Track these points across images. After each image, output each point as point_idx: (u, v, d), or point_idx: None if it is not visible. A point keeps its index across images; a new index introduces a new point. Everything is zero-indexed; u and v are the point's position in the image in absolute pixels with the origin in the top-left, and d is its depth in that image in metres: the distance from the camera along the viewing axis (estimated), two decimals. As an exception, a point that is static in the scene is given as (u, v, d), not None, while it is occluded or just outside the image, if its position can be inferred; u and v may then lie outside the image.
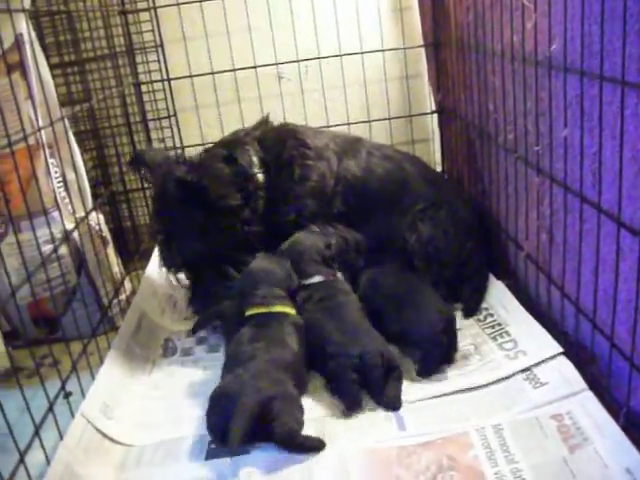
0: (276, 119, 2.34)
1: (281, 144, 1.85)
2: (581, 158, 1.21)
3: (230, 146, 1.80)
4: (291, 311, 1.54)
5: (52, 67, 2.07)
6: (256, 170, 1.77)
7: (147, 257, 2.15)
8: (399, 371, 1.38)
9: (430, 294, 1.58)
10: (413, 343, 1.49)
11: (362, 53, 2.34)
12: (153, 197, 1.83)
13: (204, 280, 1.74)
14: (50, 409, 1.21)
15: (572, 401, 1.22)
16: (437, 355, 1.45)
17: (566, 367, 1.30)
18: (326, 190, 1.82)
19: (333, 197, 1.83)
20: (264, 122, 1.94)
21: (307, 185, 1.80)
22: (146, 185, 2.29)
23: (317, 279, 1.62)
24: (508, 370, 1.38)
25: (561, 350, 1.34)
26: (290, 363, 1.37)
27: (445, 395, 1.36)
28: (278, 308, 1.52)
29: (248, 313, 1.52)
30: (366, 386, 1.37)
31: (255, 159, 1.79)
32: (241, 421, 1.20)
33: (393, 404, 1.33)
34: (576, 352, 1.33)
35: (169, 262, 1.78)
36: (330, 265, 1.67)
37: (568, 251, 1.33)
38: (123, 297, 1.94)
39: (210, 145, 1.95)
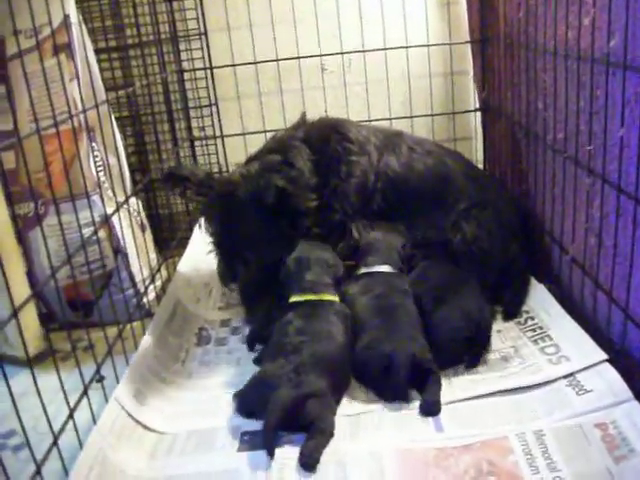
0: (317, 111, 2.33)
1: (325, 141, 1.81)
2: (638, 159, 1.17)
3: (280, 151, 1.75)
4: (337, 299, 1.53)
5: (97, 52, 2.07)
6: (309, 173, 1.72)
7: (183, 245, 2.15)
8: (436, 376, 1.35)
9: (468, 295, 1.54)
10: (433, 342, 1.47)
11: (407, 47, 2.31)
12: (219, 211, 1.69)
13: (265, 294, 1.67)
14: (85, 392, 1.21)
15: (617, 410, 1.18)
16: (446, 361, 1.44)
17: (611, 375, 1.26)
18: (368, 185, 1.78)
19: (374, 193, 1.79)
20: (303, 121, 1.89)
21: (352, 182, 1.76)
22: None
23: (384, 268, 1.62)
24: (550, 375, 1.34)
25: (606, 357, 1.30)
26: (335, 358, 1.35)
27: (484, 397, 1.33)
28: (327, 296, 1.51)
29: (295, 299, 1.51)
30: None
31: (307, 161, 1.75)
32: (276, 413, 1.20)
33: (429, 409, 1.29)
34: (622, 360, 1.29)
35: (234, 276, 1.70)
36: (403, 262, 1.67)
37: (618, 255, 1.29)
38: (159, 284, 1.94)
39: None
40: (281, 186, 1.59)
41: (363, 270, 1.64)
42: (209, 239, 1.73)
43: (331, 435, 1.23)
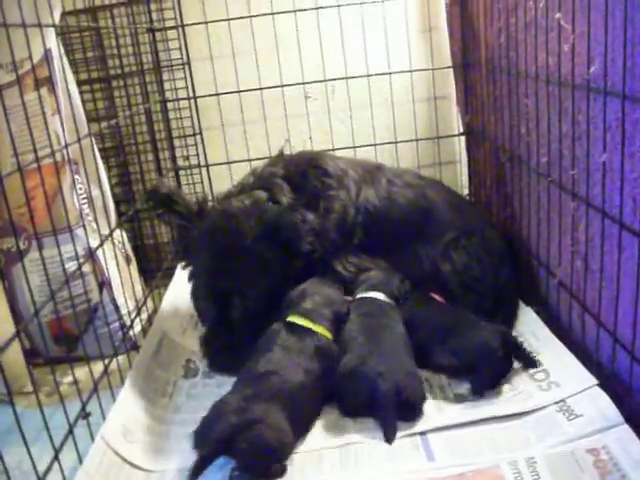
0: (302, 139, 2.34)
1: (304, 176, 1.81)
2: (621, 184, 1.17)
3: (263, 188, 1.74)
4: (328, 334, 1.50)
5: (80, 83, 2.07)
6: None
7: (169, 276, 2.13)
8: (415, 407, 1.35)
9: (474, 319, 1.54)
10: (468, 368, 1.46)
11: (390, 73, 2.32)
12: (214, 244, 1.64)
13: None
14: (70, 432, 1.18)
15: (608, 435, 1.18)
16: (495, 372, 1.44)
17: (602, 399, 1.25)
18: (347, 220, 1.78)
19: (354, 227, 1.79)
20: (281, 157, 1.89)
21: (331, 217, 1.76)
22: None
23: (376, 295, 1.62)
24: (541, 401, 1.33)
25: (596, 382, 1.30)
26: (296, 393, 1.33)
27: (475, 424, 1.31)
28: (318, 328, 1.48)
29: (288, 319, 1.50)
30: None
31: (290, 199, 1.74)
32: (212, 442, 1.21)
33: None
34: (612, 384, 1.28)
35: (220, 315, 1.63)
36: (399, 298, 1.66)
37: (605, 279, 1.29)
38: (145, 316, 1.91)
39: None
40: (299, 223, 1.61)
41: (358, 296, 1.65)
42: (192, 273, 1.70)
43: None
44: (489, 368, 1.43)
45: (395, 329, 1.50)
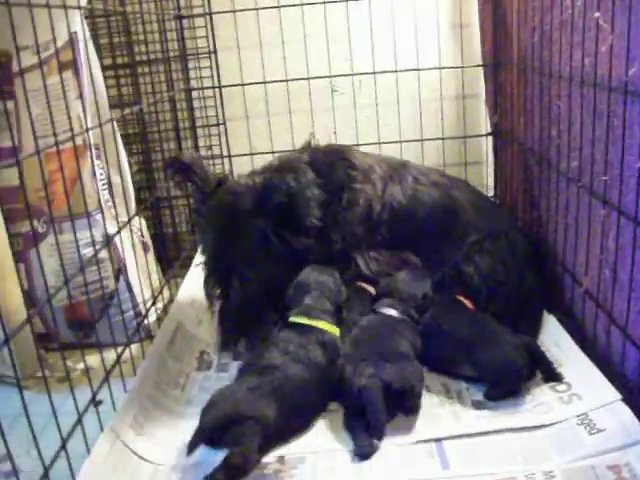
0: (327, 133, 2.31)
1: (330, 166, 1.76)
2: (656, 192, 1.13)
3: (286, 171, 1.67)
4: (333, 329, 1.48)
5: (104, 68, 2.05)
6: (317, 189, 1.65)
7: (187, 265, 2.11)
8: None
9: (498, 329, 1.48)
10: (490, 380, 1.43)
11: (418, 70, 2.28)
12: (217, 221, 1.62)
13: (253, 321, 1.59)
14: (79, 421, 1.16)
15: (631, 452, 1.13)
16: (515, 385, 1.40)
17: (625, 414, 1.21)
18: (372, 215, 1.74)
19: (378, 224, 1.75)
20: (308, 145, 1.86)
21: (355, 210, 1.71)
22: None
23: (390, 312, 1.56)
24: (561, 415, 1.29)
25: (619, 396, 1.25)
26: (295, 389, 1.31)
27: (492, 434, 1.27)
28: (321, 324, 1.46)
29: (290, 320, 1.48)
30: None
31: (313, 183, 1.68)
32: (195, 437, 1.21)
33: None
34: (637, 398, 1.24)
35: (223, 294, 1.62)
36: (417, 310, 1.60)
37: (634, 290, 1.25)
38: (160, 305, 1.90)
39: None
40: (292, 187, 1.54)
41: (375, 308, 1.60)
42: (201, 251, 1.68)
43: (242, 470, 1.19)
44: (510, 383, 1.39)
45: (399, 340, 1.45)
